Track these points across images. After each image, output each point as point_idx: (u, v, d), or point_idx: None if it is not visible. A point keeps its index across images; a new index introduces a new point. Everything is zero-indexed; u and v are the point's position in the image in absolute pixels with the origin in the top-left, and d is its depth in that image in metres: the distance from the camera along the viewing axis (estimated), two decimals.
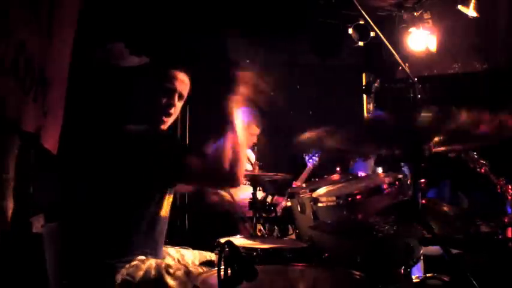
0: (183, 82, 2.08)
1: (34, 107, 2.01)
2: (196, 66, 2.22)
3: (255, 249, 2.02)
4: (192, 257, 2.13)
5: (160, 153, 1.86)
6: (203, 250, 2.20)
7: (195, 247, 2.23)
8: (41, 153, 2.16)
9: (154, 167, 1.85)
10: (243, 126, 3.88)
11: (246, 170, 3.57)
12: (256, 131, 3.96)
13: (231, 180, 1.93)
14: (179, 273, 1.82)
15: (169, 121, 2.06)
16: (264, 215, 2.87)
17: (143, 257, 1.88)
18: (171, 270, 1.82)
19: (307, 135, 1.38)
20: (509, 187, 2.76)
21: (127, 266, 1.83)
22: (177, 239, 2.15)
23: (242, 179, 1.96)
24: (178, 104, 2.09)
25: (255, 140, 3.99)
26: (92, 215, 1.91)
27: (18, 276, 1.97)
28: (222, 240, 2.08)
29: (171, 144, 1.91)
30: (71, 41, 2.40)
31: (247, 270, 1.14)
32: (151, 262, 1.86)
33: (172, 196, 2.06)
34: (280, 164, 3.86)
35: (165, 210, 2.01)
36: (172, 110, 2.04)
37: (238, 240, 2.25)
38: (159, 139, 1.91)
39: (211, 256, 2.09)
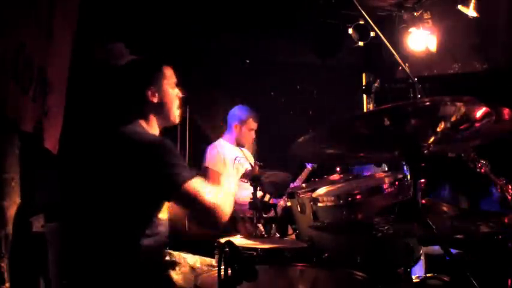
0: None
1: (34, 107, 2.01)
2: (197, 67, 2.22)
3: (255, 249, 2.02)
4: (193, 260, 2.13)
5: (160, 164, 1.82)
6: (203, 254, 2.19)
7: (195, 251, 2.22)
8: (41, 153, 2.16)
9: (153, 176, 1.81)
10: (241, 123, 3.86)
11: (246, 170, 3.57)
12: (254, 125, 3.97)
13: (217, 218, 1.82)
14: (184, 269, 1.83)
15: None
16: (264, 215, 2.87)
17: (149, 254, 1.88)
18: (176, 267, 1.83)
19: (302, 139, 1.38)
20: (509, 187, 2.76)
21: (134, 262, 1.83)
22: (177, 243, 2.15)
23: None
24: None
25: (253, 135, 4.00)
26: (93, 214, 1.91)
27: (19, 276, 1.96)
28: (222, 240, 2.08)
29: (173, 158, 1.86)
30: (71, 41, 2.40)
31: (247, 270, 1.14)
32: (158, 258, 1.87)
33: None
34: (280, 164, 3.86)
35: (164, 212, 2.00)
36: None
37: (238, 240, 2.25)
38: (161, 150, 1.87)
39: (212, 261, 2.09)
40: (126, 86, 2.04)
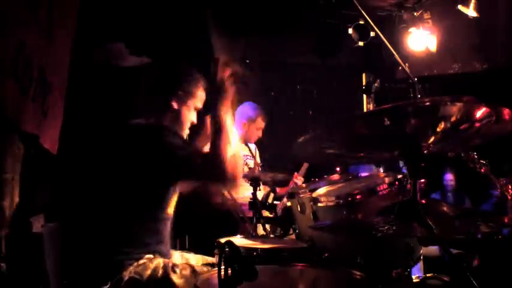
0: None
1: (33, 107, 2.01)
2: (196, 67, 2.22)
3: (255, 249, 2.02)
4: (195, 261, 2.13)
5: (163, 147, 1.85)
6: (203, 253, 2.20)
7: (195, 249, 2.23)
8: (41, 153, 2.16)
9: (158, 161, 1.85)
10: (244, 123, 3.84)
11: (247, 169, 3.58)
12: (262, 124, 3.95)
13: (228, 178, 1.89)
14: (185, 272, 1.83)
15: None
16: (268, 214, 2.87)
17: (151, 256, 1.88)
18: (177, 269, 1.83)
19: (302, 139, 1.38)
20: (509, 187, 2.76)
21: (135, 264, 1.83)
22: (178, 242, 2.15)
23: (239, 178, 1.95)
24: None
25: (260, 134, 3.97)
26: (96, 214, 1.91)
27: (18, 276, 1.97)
28: (222, 240, 2.08)
29: (174, 138, 1.89)
30: (71, 41, 2.40)
31: (247, 271, 1.14)
32: (159, 261, 1.87)
33: (177, 195, 2.06)
34: (280, 164, 3.85)
35: (171, 208, 2.01)
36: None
37: (238, 240, 2.25)
38: (161, 133, 1.90)
39: (213, 260, 2.10)
40: (159, 83, 2.06)
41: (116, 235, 1.87)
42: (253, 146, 3.95)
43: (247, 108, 3.94)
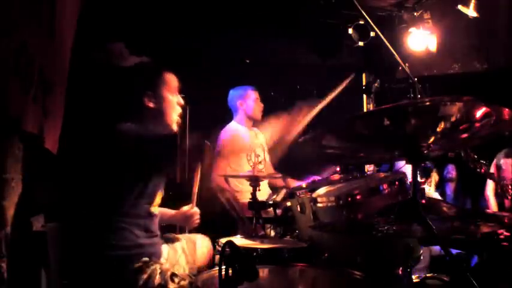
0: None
1: (34, 107, 2.01)
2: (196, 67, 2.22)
3: (255, 249, 2.02)
4: (200, 243, 2.17)
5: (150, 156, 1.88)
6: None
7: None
8: (41, 153, 2.17)
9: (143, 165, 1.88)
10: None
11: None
12: (256, 94, 3.98)
13: None
14: (184, 283, 1.82)
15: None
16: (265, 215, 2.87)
17: (147, 259, 1.88)
18: (176, 279, 1.82)
19: (302, 139, 1.39)
20: (509, 187, 2.76)
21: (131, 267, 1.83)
22: None
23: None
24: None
25: (261, 104, 3.98)
26: (89, 212, 1.92)
27: (19, 277, 1.97)
28: (222, 240, 2.08)
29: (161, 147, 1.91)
30: (71, 41, 2.40)
31: (247, 270, 1.15)
32: (156, 267, 1.86)
33: (162, 193, 2.08)
34: (281, 164, 3.85)
35: (156, 206, 2.03)
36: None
37: (238, 240, 2.25)
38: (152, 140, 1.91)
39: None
40: (124, 89, 2.06)
41: (106, 230, 1.87)
42: (260, 134, 3.94)
43: (234, 92, 3.98)
